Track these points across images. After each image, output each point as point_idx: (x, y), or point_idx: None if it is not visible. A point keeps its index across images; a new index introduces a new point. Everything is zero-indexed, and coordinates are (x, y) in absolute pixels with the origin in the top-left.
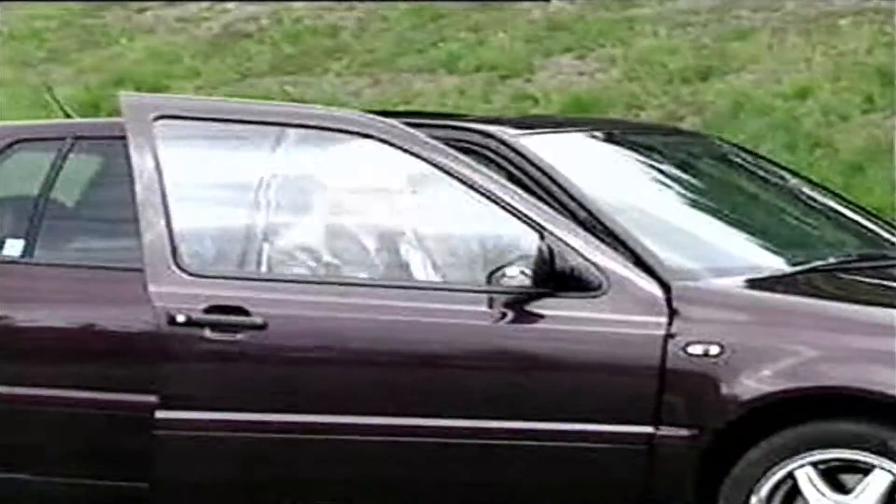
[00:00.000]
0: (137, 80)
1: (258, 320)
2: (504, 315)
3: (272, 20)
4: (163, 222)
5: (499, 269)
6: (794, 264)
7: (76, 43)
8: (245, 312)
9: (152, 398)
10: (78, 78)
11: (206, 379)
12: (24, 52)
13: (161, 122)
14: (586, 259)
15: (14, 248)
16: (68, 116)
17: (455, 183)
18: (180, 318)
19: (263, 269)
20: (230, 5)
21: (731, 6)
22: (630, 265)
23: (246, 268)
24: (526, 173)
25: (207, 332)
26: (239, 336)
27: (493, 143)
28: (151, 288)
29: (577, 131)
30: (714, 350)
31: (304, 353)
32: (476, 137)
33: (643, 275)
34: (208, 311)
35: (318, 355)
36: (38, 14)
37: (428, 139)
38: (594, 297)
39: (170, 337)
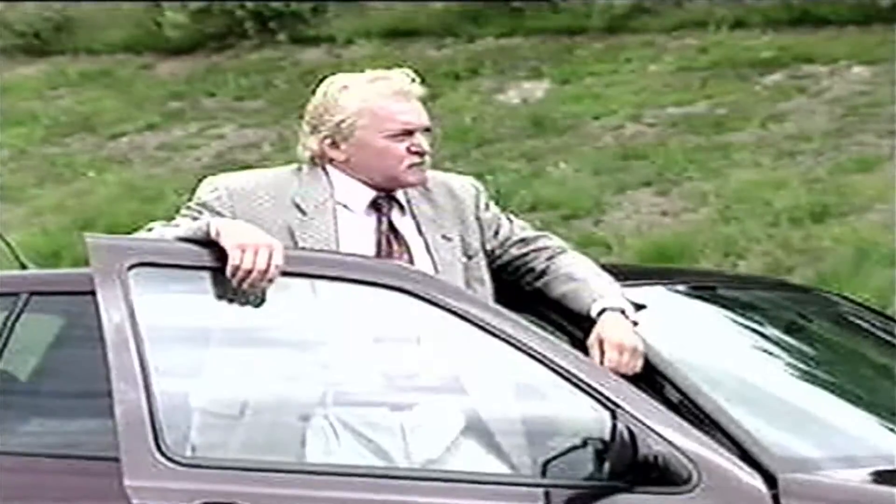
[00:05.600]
0: (109, 221)
1: None
2: None
3: (276, 147)
4: (142, 397)
5: (559, 455)
6: None
7: (33, 177)
8: None
9: None
10: (35, 219)
11: None
12: None
13: (138, 270)
14: (671, 445)
15: None
16: (23, 267)
17: (507, 349)
18: None
19: (270, 456)
20: (226, 129)
21: (850, 130)
22: (727, 453)
23: (247, 454)
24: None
25: None
26: None
27: None
28: (128, 481)
29: (657, 284)
30: None
31: None
32: None
33: (743, 465)
34: None
35: None
36: None
37: (475, 297)
38: (681, 492)
39: None
